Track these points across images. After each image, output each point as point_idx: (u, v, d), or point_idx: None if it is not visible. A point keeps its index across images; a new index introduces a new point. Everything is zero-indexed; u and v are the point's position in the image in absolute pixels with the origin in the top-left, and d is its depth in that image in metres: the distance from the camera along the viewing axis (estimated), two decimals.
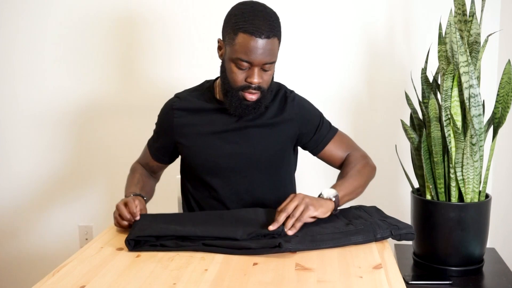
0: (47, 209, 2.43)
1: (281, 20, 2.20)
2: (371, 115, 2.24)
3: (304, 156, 2.26)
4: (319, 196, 1.37)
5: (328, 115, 2.24)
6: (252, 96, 1.44)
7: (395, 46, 2.19)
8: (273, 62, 1.43)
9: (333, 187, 1.43)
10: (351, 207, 1.44)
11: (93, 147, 2.37)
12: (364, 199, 2.28)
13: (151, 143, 1.67)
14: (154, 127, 1.65)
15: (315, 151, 1.62)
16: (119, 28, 2.28)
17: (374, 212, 1.41)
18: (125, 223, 1.36)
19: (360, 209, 1.43)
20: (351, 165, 1.57)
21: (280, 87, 1.61)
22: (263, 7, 1.44)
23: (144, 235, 1.24)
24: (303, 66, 2.24)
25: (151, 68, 2.30)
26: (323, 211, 1.32)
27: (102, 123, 2.35)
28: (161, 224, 1.30)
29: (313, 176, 2.29)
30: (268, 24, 1.39)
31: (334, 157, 1.63)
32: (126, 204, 1.39)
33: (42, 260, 2.44)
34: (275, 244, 1.17)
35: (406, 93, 1.85)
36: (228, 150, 1.54)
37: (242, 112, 1.47)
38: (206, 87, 1.61)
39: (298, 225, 1.26)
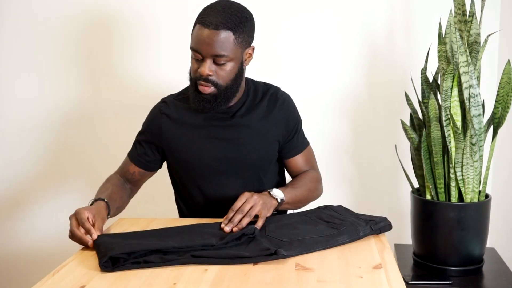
0: (47, 209, 2.43)
1: (280, 20, 2.20)
2: (371, 115, 2.24)
3: None
4: (268, 192, 1.43)
5: (328, 115, 2.26)
6: (203, 88, 1.44)
7: (395, 46, 2.19)
8: (225, 56, 1.41)
9: (283, 190, 1.47)
10: (318, 207, 1.45)
11: (94, 147, 2.37)
12: (364, 199, 2.29)
13: (134, 150, 1.63)
14: None
15: (284, 156, 1.64)
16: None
17: (343, 211, 1.42)
18: (85, 239, 1.27)
19: (328, 209, 1.44)
20: (307, 179, 1.61)
21: (268, 88, 1.60)
22: (231, 3, 1.46)
23: (117, 253, 1.14)
24: (303, 66, 2.24)
25: (149, 68, 2.29)
26: (268, 209, 1.38)
27: (102, 123, 2.35)
28: (130, 240, 1.22)
29: None
30: (222, 17, 1.40)
31: (296, 168, 1.66)
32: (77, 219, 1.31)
33: (42, 260, 2.43)
34: (271, 252, 1.15)
35: (406, 93, 1.86)
36: (216, 154, 1.54)
37: (197, 105, 1.47)
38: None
39: (245, 221, 1.31)
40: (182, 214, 1.68)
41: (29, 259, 2.45)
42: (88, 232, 1.27)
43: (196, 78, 1.45)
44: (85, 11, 2.28)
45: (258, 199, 1.36)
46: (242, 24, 1.43)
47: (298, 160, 1.64)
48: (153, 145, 1.60)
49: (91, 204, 1.41)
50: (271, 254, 1.15)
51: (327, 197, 2.25)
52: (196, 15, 1.47)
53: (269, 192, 1.43)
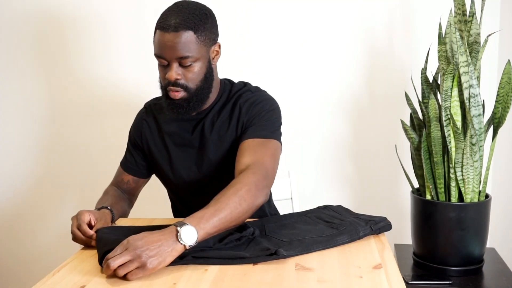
0: (47, 209, 2.43)
1: (280, 20, 2.20)
2: (371, 115, 2.24)
3: (305, 156, 2.27)
4: (176, 230, 1.10)
5: (328, 115, 2.26)
6: (174, 93, 1.41)
7: (395, 46, 2.19)
8: (190, 57, 1.37)
9: (196, 224, 1.12)
10: (318, 207, 1.45)
11: (95, 147, 2.37)
12: (364, 199, 2.29)
13: (124, 158, 1.65)
14: None
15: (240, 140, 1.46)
16: (119, 25, 2.28)
17: (343, 211, 1.42)
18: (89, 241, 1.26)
19: (328, 209, 1.43)
20: (233, 190, 1.24)
21: (241, 89, 1.53)
22: (188, 3, 1.42)
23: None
24: (303, 66, 2.24)
25: (152, 67, 2.30)
26: (163, 259, 1.08)
27: (103, 123, 2.35)
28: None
29: (313, 177, 2.30)
30: (180, 18, 1.36)
31: (239, 157, 1.39)
32: (79, 226, 1.28)
33: (42, 260, 2.43)
34: (271, 252, 1.15)
35: (406, 93, 1.85)
36: (187, 162, 1.52)
37: (171, 111, 1.44)
38: None
39: (120, 273, 1.05)
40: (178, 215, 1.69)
41: (29, 259, 2.45)
42: (84, 234, 1.26)
43: (165, 85, 1.41)
44: (84, 10, 2.28)
45: (138, 255, 1.05)
46: (203, 22, 1.39)
47: (243, 148, 1.40)
48: (139, 151, 1.61)
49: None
50: (271, 254, 1.15)
51: (327, 197, 2.27)
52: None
53: (177, 233, 1.10)
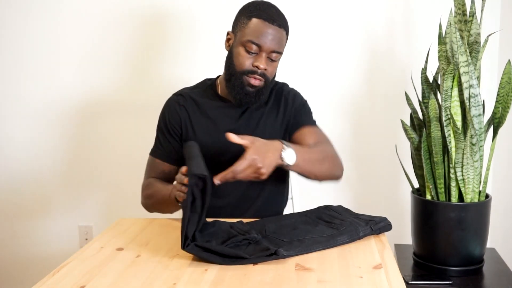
0: (47, 209, 2.43)
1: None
2: (371, 115, 2.24)
3: None
4: (282, 148, 1.33)
5: (328, 115, 2.26)
6: (256, 82, 1.47)
7: (395, 46, 2.19)
8: (280, 53, 1.49)
9: (297, 151, 1.37)
10: (318, 207, 1.45)
11: (93, 146, 2.37)
12: (364, 199, 2.29)
13: (159, 149, 1.61)
14: (155, 126, 1.65)
15: (290, 132, 1.60)
16: (122, 25, 2.28)
17: (343, 211, 1.42)
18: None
19: (328, 209, 1.43)
20: (323, 147, 1.52)
21: (276, 84, 1.64)
22: (274, 5, 1.54)
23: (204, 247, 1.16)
24: (303, 66, 2.24)
25: (154, 66, 2.30)
26: (267, 168, 1.29)
27: (103, 122, 2.35)
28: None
29: None
30: (280, 16, 1.49)
31: (304, 142, 1.56)
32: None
33: (42, 260, 2.43)
34: (271, 252, 1.15)
35: (406, 93, 1.85)
36: (231, 148, 1.53)
37: (243, 98, 1.49)
38: (209, 84, 1.62)
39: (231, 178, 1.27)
40: None
41: (29, 259, 2.45)
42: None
43: (246, 71, 1.47)
44: (89, 9, 2.29)
45: (255, 160, 1.26)
46: (288, 24, 1.53)
47: (304, 133, 1.58)
48: (177, 137, 1.60)
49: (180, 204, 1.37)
50: (271, 254, 1.15)
51: (327, 197, 2.27)
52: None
53: (282, 152, 1.33)
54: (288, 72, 2.20)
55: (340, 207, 1.45)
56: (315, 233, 1.27)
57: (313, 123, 1.63)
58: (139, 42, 2.29)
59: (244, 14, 1.49)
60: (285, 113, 1.60)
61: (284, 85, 1.66)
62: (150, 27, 2.28)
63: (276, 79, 1.63)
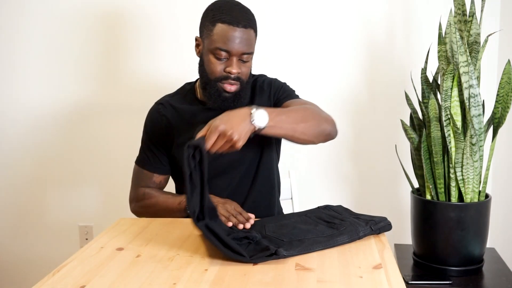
0: (47, 209, 2.43)
1: (280, 20, 2.22)
2: (371, 115, 2.24)
3: (305, 156, 2.27)
4: (250, 113, 1.25)
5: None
6: (231, 87, 1.45)
7: (395, 46, 2.19)
8: (251, 53, 1.45)
9: (269, 111, 1.28)
10: (318, 207, 1.45)
11: (93, 146, 2.37)
12: (364, 199, 2.29)
13: (146, 160, 1.60)
14: None
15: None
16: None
17: (343, 211, 1.41)
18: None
19: (328, 209, 1.43)
20: (298, 106, 1.43)
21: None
22: (238, 2, 1.49)
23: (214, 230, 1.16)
24: (303, 66, 2.24)
25: (154, 66, 2.30)
26: (241, 134, 1.22)
27: (102, 122, 2.35)
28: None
29: (313, 177, 2.30)
30: (244, 15, 1.43)
31: None
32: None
33: (42, 260, 2.44)
34: (271, 252, 1.15)
35: (406, 93, 1.86)
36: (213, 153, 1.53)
37: (221, 104, 1.46)
38: (188, 89, 1.61)
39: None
40: None
41: (29, 259, 2.46)
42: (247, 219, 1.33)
43: (219, 78, 1.45)
44: (85, 11, 2.29)
45: (220, 126, 1.19)
46: (256, 21, 1.48)
47: (286, 104, 1.52)
48: (162, 148, 1.59)
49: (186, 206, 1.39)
50: (271, 254, 1.15)
51: (327, 197, 2.27)
52: (198, 15, 1.48)
53: (250, 114, 1.24)
54: (288, 72, 2.21)
55: (340, 207, 1.45)
56: (315, 233, 1.27)
57: (296, 97, 1.58)
58: (130, 43, 2.29)
59: (208, 19, 1.45)
60: (265, 103, 1.55)
61: (258, 77, 1.61)
62: (137, 28, 2.27)
63: (276, 79, 1.63)
